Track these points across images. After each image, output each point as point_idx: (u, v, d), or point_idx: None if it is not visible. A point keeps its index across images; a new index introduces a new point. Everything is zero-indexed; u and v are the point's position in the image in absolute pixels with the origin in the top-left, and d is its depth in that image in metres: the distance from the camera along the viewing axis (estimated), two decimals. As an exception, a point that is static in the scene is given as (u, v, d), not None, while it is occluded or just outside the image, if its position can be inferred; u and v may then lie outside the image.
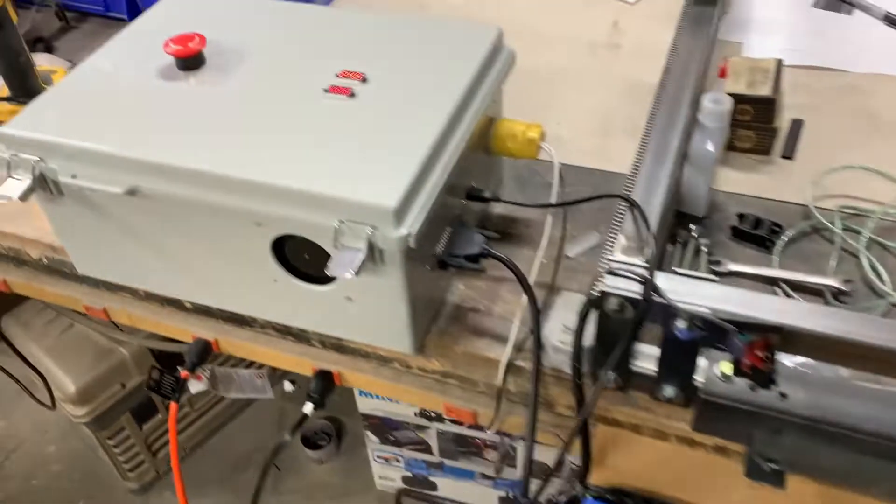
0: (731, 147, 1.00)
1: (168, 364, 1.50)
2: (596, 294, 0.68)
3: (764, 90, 0.96)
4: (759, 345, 0.63)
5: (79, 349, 1.54)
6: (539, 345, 0.76)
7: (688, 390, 0.71)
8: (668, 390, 0.72)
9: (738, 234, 0.90)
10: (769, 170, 0.99)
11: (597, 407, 0.79)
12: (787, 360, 0.67)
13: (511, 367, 0.79)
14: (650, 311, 0.66)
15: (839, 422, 0.65)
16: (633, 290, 0.66)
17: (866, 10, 1.23)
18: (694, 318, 0.64)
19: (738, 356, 0.64)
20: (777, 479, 0.70)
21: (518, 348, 0.79)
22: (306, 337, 0.89)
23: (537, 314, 0.77)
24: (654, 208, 0.75)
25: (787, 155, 1.00)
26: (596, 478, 0.80)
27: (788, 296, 0.83)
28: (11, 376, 1.43)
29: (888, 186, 0.93)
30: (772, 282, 0.84)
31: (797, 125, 1.04)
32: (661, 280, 0.67)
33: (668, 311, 0.65)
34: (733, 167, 0.99)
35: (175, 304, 0.94)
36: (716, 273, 0.86)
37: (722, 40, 1.22)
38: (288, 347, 0.93)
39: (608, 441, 0.81)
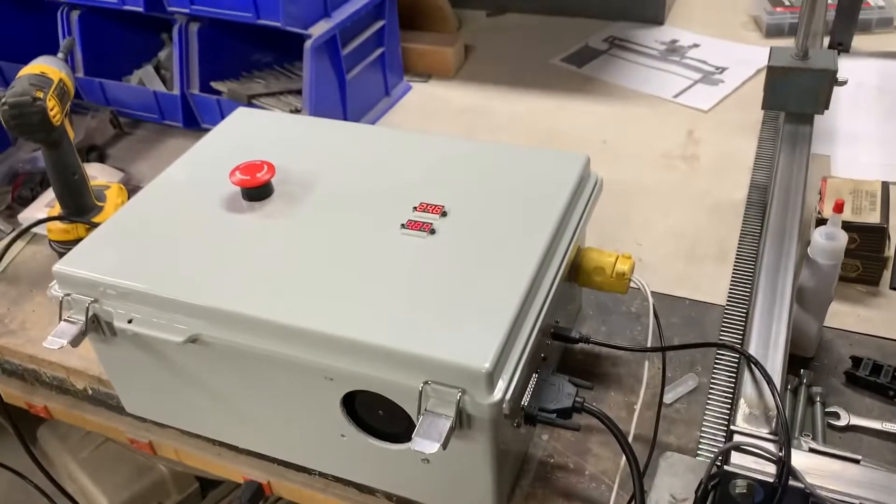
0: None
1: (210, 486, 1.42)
2: (718, 470, 0.59)
3: (872, 217, 0.88)
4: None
5: (116, 464, 1.46)
6: (643, 518, 0.67)
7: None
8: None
9: (854, 380, 0.80)
10: (879, 303, 0.89)
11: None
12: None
13: (612, 542, 0.69)
14: (784, 497, 0.57)
15: None
16: (764, 470, 0.57)
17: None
18: (842, 511, 0.55)
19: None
20: None
21: (618, 519, 0.70)
22: (371, 489, 0.80)
23: (641, 484, 0.67)
24: (776, 365, 0.66)
25: (898, 286, 0.91)
26: None
27: (924, 459, 0.72)
28: (45, 494, 1.35)
29: None
30: (901, 440, 0.74)
31: (904, 250, 0.95)
32: (798, 459, 0.58)
33: (811, 500, 0.56)
34: (838, 299, 0.90)
35: (226, 444, 0.86)
36: (832, 427, 0.76)
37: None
38: (349, 496, 0.84)
39: None
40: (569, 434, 0.78)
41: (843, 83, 0.94)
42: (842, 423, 0.76)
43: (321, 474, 0.83)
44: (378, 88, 1.33)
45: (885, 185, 0.92)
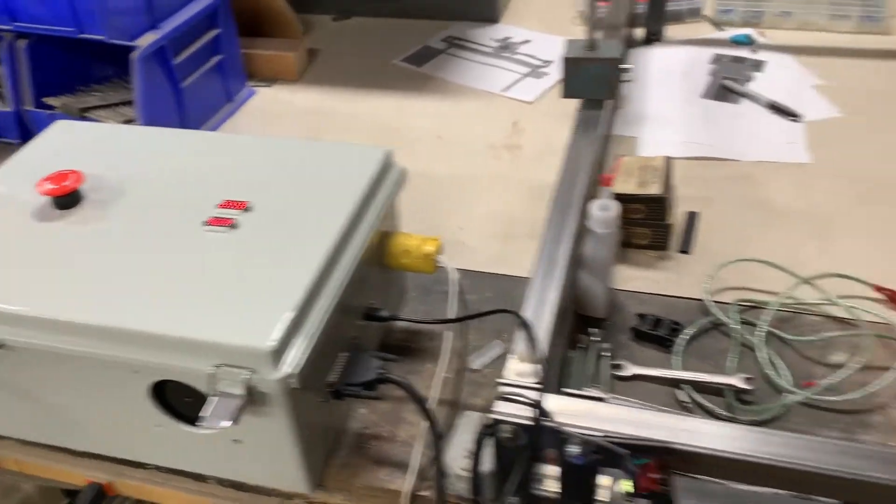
0: (628, 244, 1.02)
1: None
2: (489, 421, 0.66)
3: (654, 189, 0.98)
4: (653, 467, 0.62)
5: (-22, 489, 1.43)
6: (441, 473, 0.73)
7: (590, 512, 0.68)
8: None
9: (639, 335, 0.90)
10: (667, 265, 1.00)
11: (507, 532, 0.76)
12: (685, 479, 0.66)
13: (415, 499, 0.75)
14: (542, 436, 0.64)
15: None
16: (524, 415, 0.64)
17: (752, 98, 1.29)
18: (586, 443, 0.63)
19: (634, 479, 0.63)
20: None
21: (422, 477, 0.76)
22: (203, 476, 0.84)
23: (439, 440, 0.74)
24: (545, 324, 0.74)
25: (684, 249, 1.02)
26: None
27: (692, 397, 0.82)
28: None
29: (783, 276, 0.94)
30: (674, 384, 0.84)
31: (692, 218, 1.06)
32: (553, 402, 0.66)
33: (560, 436, 0.64)
34: (631, 264, 1.00)
35: (65, 448, 0.88)
36: (618, 378, 0.85)
37: (618, 136, 1.25)
38: (187, 486, 0.87)
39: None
40: (385, 406, 0.84)
41: (629, 71, 1.04)
42: (626, 373, 0.85)
43: (158, 468, 0.87)
44: (219, 95, 1.36)
45: (667, 160, 1.03)
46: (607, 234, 0.87)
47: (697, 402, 0.82)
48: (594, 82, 1.04)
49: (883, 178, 1.11)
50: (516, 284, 0.98)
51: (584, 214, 0.88)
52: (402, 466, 0.77)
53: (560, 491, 0.69)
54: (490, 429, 0.66)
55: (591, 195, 0.93)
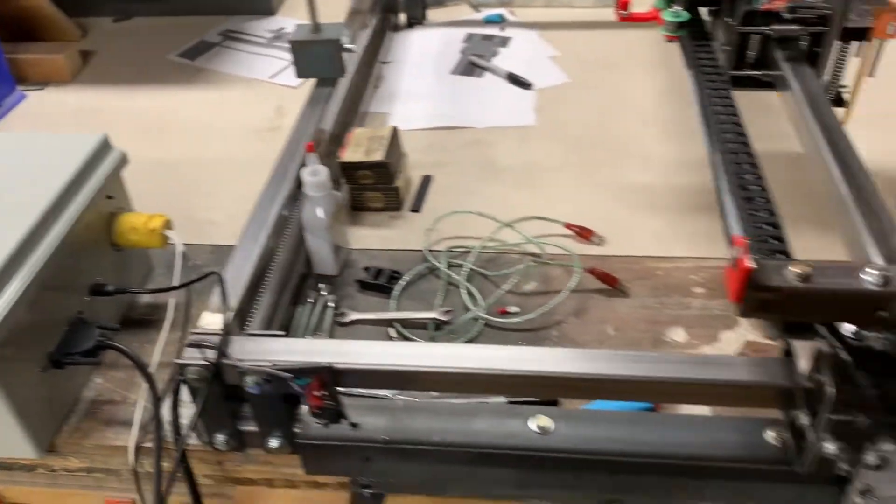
0: (364, 208, 1.12)
1: None
2: (179, 364, 0.73)
3: (377, 156, 1.08)
4: (315, 386, 0.71)
5: None
6: (159, 424, 0.80)
7: (289, 438, 0.77)
8: (273, 441, 0.78)
9: (364, 286, 1.00)
10: (398, 224, 1.11)
11: (231, 470, 0.84)
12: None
13: (141, 450, 0.82)
14: (224, 374, 0.73)
15: (409, 439, 0.75)
16: (208, 357, 0.73)
17: (492, 71, 1.42)
18: (259, 374, 0.72)
19: (304, 400, 0.72)
20: (377, 501, 0.78)
21: (146, 430, 0.83)
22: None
23: (156, 394, 0.81)
24: (243, 278, 0.83)
25: (416, 208, 1.13)
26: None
27: (399, 332, 0.93)
28: None
29: (489, 224, 1.07)
30: (388, 323, 0.94)
31: (426, 181, 1.18)
32: (236, 344, 0.74)
33: (240, 372, 0.72)
34: (367, 225, 1.10)
35: None
36: (340, 324, 0.95)
37: (373, 112, 1.36)
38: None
39: (250, 499, 0.86)
40: (120, 374, 0.90)
41: (351, 51, 1.14)
42: (347, 319, 0.95)
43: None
44: (-19, 101, 1.37)
45: (395, 130, 1.13)
46: (321, 196, 0.96)
47: (403, 335, 0.93)
48: (320, 62, 1.13)
49: (588, 133, 1.27)
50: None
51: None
52: (129, 424, 0.84)
53: (258, 426, 0.78)
54: (180, 374, 0.74)
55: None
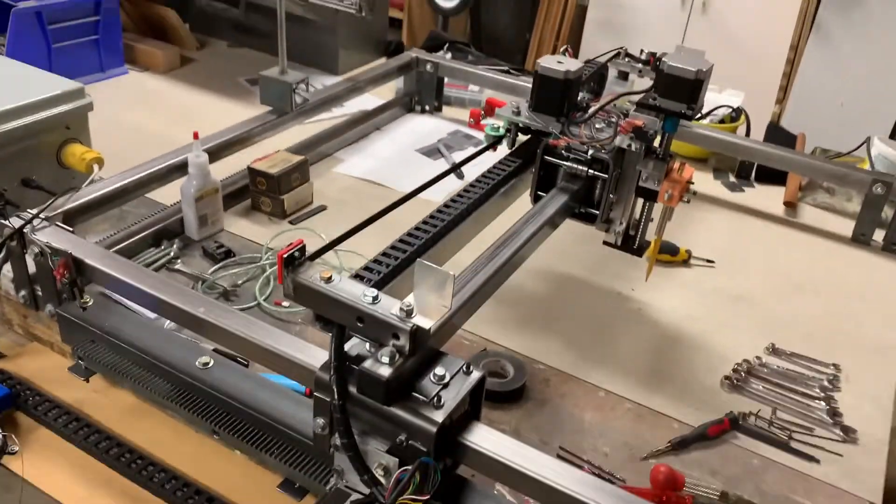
0: (258, 208, 1.42)
1: None
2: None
3: (273, 171, 1.38)
4: (61, 264, 1.00)
5: None
6: (-3, 271, 1.13)
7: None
8: (49, 308, 1.07)
9: (205, 253, 1.29)
10: (272, 227, 1.39)
11: (29, 326, 1.14)
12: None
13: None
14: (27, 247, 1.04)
15: (120, 336, 1.00)
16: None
17: (446, 158, 1.67)
18: (37, 245, 1.02)
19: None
20: (86, 374, 1.04)
21: (-9, 274, 1.16)
22: None
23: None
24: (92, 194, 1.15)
25: (293, 222, 1.40)
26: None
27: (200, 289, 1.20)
28: None
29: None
30: (196, 279, 1.22)
31: (320, 208, 1.45)
32: (52, 232, 1.06)
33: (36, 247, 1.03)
34: (251, 221, 1.41)
35: None
36: (168, 269, 1.24)
37: (333, 155, 1.67)
38: None
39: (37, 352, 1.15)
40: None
41: (303, 97, 1.47)
42: (174, 267, 1.24)
43: None
44: (93, 65, 1.86)
45: (304, 160, 1.43)
46: (196, 174, 1.28)
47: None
48: (276, 96, 1.47)
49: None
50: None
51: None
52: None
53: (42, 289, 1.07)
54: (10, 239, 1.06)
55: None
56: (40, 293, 1.08)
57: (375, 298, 0.77)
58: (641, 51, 1.23)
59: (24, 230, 1.03)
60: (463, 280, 0.93)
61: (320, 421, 0.82)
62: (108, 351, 1.02)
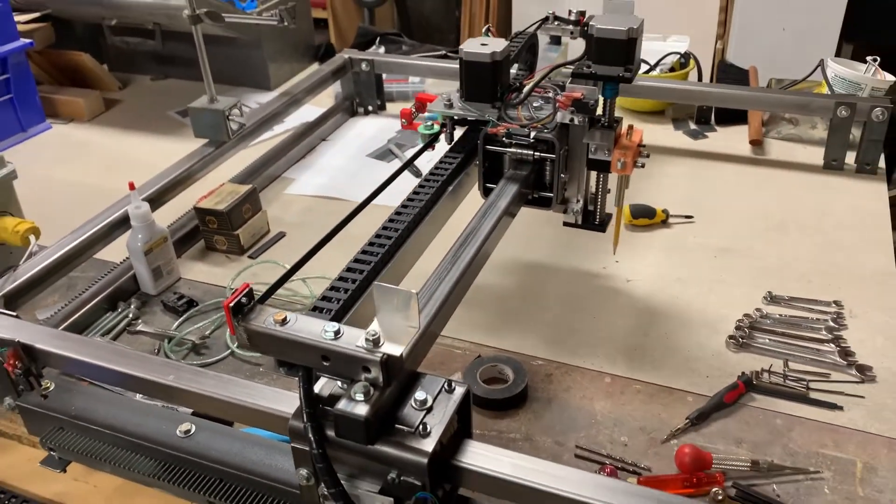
0: (212, 248, 1.33)
1: None
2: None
3: (222, 206, 1.30)
4: (10, 355, 0.92)
5: None
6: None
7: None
8: (7, 401, 0.99)
9: (165, 307, 1.20)
10: (232, 265, 1.31)
11: (-10, 422, 1.06)
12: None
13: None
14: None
15: (89, 419, 0.92)
16: (-43, 319, 0.96)
17: (401, 159, 1.61)
18: (-20, 338, 0.93)
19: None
20: (61, 465, 0.96)
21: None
22: None
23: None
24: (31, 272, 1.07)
25: (253, 256, 1.32)
26: None
27: (164, 349, 1.12)
28: None
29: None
30: (161, 338, 1.14)
31: (279, 236, 1.37)
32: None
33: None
34: (207, 262, 1.32)
35: None
36: (129, 332, 1.16)
37: (283, 176, 1.59)
38: None
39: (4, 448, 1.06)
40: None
41: (238, 123, 1.38)
42: (135, 329, 1.16)
43: None
44: (11, 126, 1.75)
45: (252, 189, 1.35)
46: (140, 226, 1.19)
47: (165, 350, 1.12)
48: (210, 127, 1.38)
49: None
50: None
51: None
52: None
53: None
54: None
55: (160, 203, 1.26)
56: (-4, 387, 0.99)
57: (338, 333, 0.70)
58: (570, 11, 1.17)
59: (-38, 325, 0.95)
60: (429, 290, 0.86)
61: (303, 472, 0.75)
62: (79, 436, 0.94)
